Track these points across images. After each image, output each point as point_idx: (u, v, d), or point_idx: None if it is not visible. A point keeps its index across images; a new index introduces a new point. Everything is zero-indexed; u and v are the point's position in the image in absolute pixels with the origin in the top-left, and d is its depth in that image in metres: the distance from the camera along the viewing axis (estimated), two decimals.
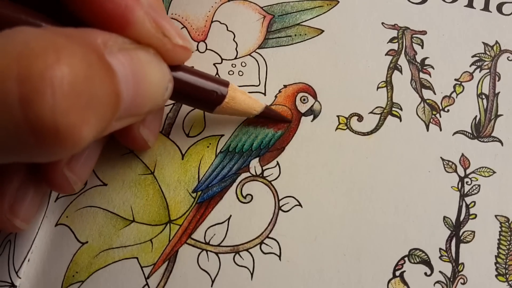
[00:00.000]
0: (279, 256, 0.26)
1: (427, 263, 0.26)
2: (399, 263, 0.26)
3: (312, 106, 0.29)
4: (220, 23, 0.31)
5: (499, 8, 0.32)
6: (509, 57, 0.30)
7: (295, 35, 0.31)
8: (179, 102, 0.29)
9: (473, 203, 0.27)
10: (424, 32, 0.31)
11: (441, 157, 0.28)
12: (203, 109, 0.28)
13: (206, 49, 0.31)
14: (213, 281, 0.25)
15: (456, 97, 0.29)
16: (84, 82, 0.18)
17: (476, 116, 0.29)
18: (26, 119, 0.17)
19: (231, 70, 0.30)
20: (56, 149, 0.18)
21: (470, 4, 0.32)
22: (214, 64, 0.30)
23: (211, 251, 0.26)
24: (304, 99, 0.30)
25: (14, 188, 0.24)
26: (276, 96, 0.30)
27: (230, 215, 0.27)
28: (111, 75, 0.19)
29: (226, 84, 0.26)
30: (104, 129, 0.20)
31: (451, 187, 0.27)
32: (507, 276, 0.25)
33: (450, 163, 0.28)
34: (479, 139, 0.28)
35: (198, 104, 0.27)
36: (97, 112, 0.19)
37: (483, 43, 0.31)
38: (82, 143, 0.18)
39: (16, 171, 0.24)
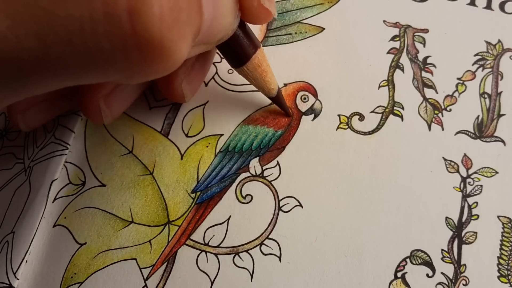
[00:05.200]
0: (279, 257, 0.26)
1: (429, 264, 0.25)
2: (401, 264, 0.25)
3: (312, 105, 0.29)
4: None
5: (502, 6, 0.31)
6: (511, 56, 0.30)
7: (296, 33, 0.31)
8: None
9: (475, 204, 0.26)
10: (426, 30, 0.31)
11: (443, 157, 0.28)
12: (235, 62, 0.26)
13: None
14: (212, 283, 0.25)
15: (459, 97, 0.29)
16: None
17: (479, 115, 0.29)
18: (134, 32, 0.16)
19: (230, 69, 0.30)
20: (157, 65, 0.18)
21: (472, 2, 0.32)
22: (214, 63, 0.30)
23: (210, 252, 0.26)
24: (304, 98, 0.29)
25: (112, 82, 0.25)
26: None
27: (230, 216, 0.27)
28: None
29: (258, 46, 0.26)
30: (189, 52, 0.19)
31: (453, 187, 0.27)
32: (509, 277, 0.25)
33: (452, 163, 0.27)
34: (482, 139, 0.28)
35: (235, 53, 0.26)
36: (191, 30, 0.18)
37: (486, 41, 0.30)
38: (181, 60, 0.18)
39: None
